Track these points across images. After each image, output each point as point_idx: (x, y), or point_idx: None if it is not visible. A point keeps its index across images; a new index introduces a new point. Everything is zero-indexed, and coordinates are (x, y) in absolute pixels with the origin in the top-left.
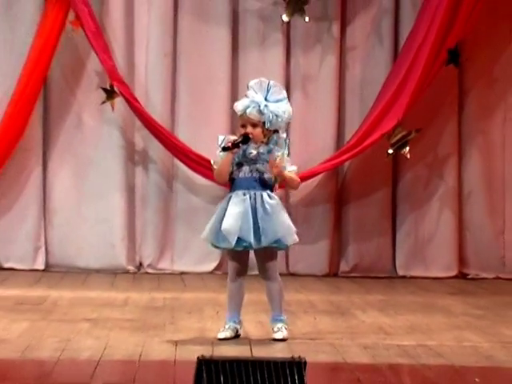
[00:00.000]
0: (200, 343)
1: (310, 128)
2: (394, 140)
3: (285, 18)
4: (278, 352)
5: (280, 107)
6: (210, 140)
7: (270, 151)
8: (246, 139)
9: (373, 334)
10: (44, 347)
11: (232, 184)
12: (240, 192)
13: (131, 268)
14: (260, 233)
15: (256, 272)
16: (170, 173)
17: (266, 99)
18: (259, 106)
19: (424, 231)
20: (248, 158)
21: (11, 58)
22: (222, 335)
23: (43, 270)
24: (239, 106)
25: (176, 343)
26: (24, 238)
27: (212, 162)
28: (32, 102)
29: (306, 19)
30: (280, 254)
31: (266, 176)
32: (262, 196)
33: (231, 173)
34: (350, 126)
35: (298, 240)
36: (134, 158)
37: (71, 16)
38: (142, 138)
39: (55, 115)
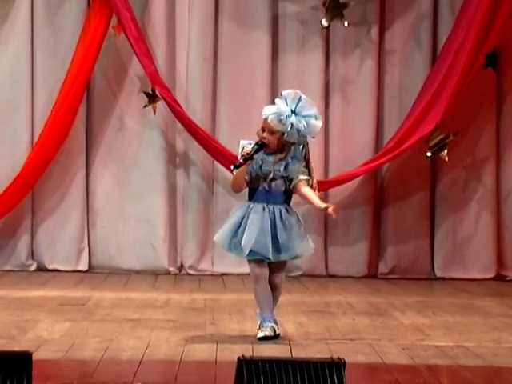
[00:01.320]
0: (240, 343)
1: (349, 131)
2: (432, 143)
3: (324, 22)
4: (318, 353)
5: (302, 122)
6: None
7: (286, 166)
8: (260, 146)
9: (411, 335)
10: (87, 347)
11: (250, 193)
12: (259, 206)
13: (172, 269)
14: (280, 248)
15: (295, 273)
16: (211, 175)
17: (293, 111)
18: (281, 116)
19: (462, 233)
20: (264, 174)
21: (55, 64)
22: (261, 335)
23: (86, 271)
24: (265, 110)
25: (217, 343)
26: (67, 240)
27: (232, 167)
28: (75, 106)
29: (345, 24)
30: (319, 256)
31: (282, 190)
32: (280, 211)
33: (249, 182)
34: (389, 129)
35: (313, 249)
36: (175, 160)
37: (113, 21)
38: (183, 141)
39: (98, 119)
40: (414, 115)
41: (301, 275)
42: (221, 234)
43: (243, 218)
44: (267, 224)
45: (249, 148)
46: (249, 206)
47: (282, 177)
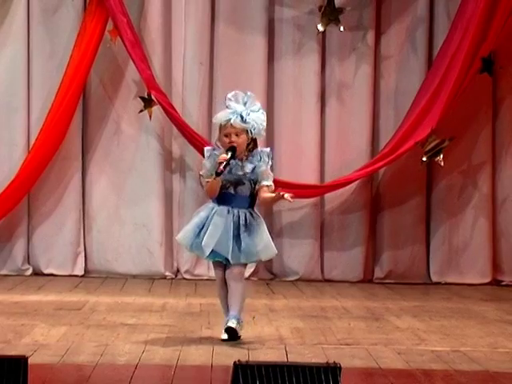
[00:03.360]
0: (236, 348)
1: (345, 136)
2: (427, 148)
3: (320, 27)
4: (314, 357)
5: (259, 116)
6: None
7: (254, 169)
8: (234, 152)
9: (407, 340)
10: (83, 352)
11: (217, 197)
12: (224, 209)
13: (169, 274)
14: (241, 251)
15: (291, 278)
16: None
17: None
18: (241, 115)
19: (458, 238)
20: (234, 179)
21: (51, 67)
22: (225, 337)
23: (82, 276)
24: (221, 117)
25: (213, 348)
26: (63, 244)
27: (200, 173)
28: (71, 110)
29: (341, 28)
30: (315, 260)
31: (248, 194)
32: (245, 215)
33: None
34: (385, 134)
35: (276, 252)
36: (171, 165)
37: (110, 25)
38: (179, 146)
39: (94, 123)
40: (410, 120)
41: (297, 280)
42: (183, 234)
43: (207, 218)
44: (230, 227)
45: (223, 156)
46: (213, 208)
47: (250, 180)
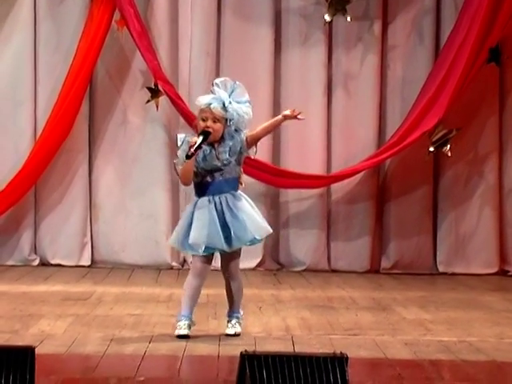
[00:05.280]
0: (243, 339)
1: (352, 126)
2: (435, 138)
3: (327, 17)
4: (320, 347)
5: (242, 108)
6: None
7: (230, 151)
8: (206, 135)
9: (414, 330)
10: (89, 342)
11: (196, 189)
12: (204, 199)
13: (175, 264)
14: (232, 237)
15: (298, 268)
16: None
17: (229, 98)
18: (223, 103)
19: (465, 228)
20: (210, 167)
21: (58, 58)
22: (181, 332)
23: (89, 266)
24: (203, 99)
25: (219, 338)
26: (70, 235)
27: (174, 162)
28: (78, 101)
29: (348, 19)
30: (321, 251)
31: (230, 176)
32: (226, 199)
33: (194, 176)
34: (391, 125)
35: (271, 230)
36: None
37: (116, 16)
38: None
39: (101, 114)
40: (417, 110)
41: (303, 270)
42: (174, 237)
43: (192, 214)
44: (214, 216)
45: (195, 139)
46: (196, 202)
47: (230, 162)
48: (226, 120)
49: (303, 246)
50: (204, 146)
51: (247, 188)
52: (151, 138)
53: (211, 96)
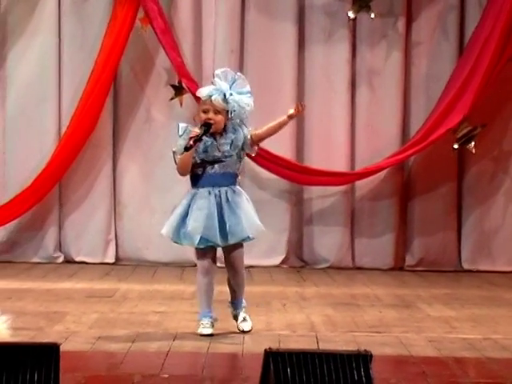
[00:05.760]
0: (267, 336)
1: (376, 123)
2: (459, 135)
3: (351, 14)
4: (344, 345)
5: (243, 99)
6: (277, 135)
7: (231, 144)
8: (207, 128)
9: (438, 328)
10: (114, 339)
11: (194, 180)
12: (204, 190)
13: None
14: (227, 231)
15: (322, 265)
16: None
17: (230, 89)
18: (224, 95)
19: (490, 225)
20: (211, 158)
21: (82, 56)
22: (207, 331)
23: (113, 264)
24: (204, 91)
25: (243, 336)
26: (94, 232)
27: (173, 150)
28: (102, 98)
29: (372, 15)
30: (345, 248)
31: (230, 171)
32: (226, 193)
33: (193, 167)
34: (416, 121)
35: (263, 228)
36: None
37: (140, 13)
38: None
39: (125, 111)
40: (441, 107)
41: (328, 267)
42: (168, 227)
43: (189, 206)
44: (214, 208)
45: (196, 130)
46: (194, 193)
47: (231, 155)
48: (228, 112)
49: (327, 243)
50: (205, 138)
51: (269, 185)
52: (175, 135)
53: (212, 87)
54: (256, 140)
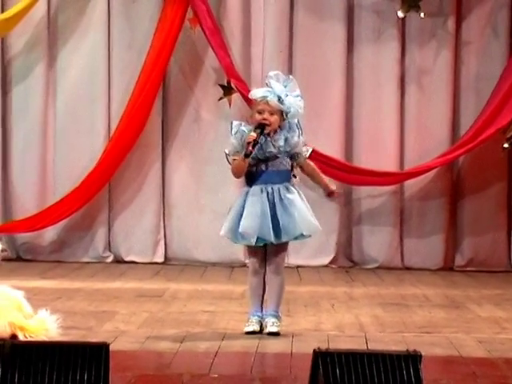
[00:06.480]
0: (316, 336)
1: (425, 122)
2: (509, 134)
3: (400, 14)
4: (394, 345)
5: (297, 102)
6: (326, 135)
7: (286, 140)
8: (262, 129)
9: (488, 328)
10: (163, 339)
11: (248, 178)
12: (257, 188)
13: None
14: (280, 229)
15: (371, 265)
16: None
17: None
18: (279, 96)
19: None
20: (265, 156)
21: (131, 56)
22: (249, 329)
23: (162, 263)
24: (258, 92)
25: (292, 336)
26: (144, 232)
27: (226, 151)
28: (151, 98)
29: (422, 15)
30: (394, 248)
31: (284, 168)
32: (279, 190)
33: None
34: (465, 121)
35: (320, 228)
36: None
37: (189, 14)
38: None
39: (174, 111)
40: (491, 106)
41: (377, 267)
42: (226, 228)
43: (244, 205)
44: (266, 206)
45: (252, 134)
46: (247, 191)
47: (284, 152)
48: (282, 113)
49: (376, 243)
50: (261, 137)
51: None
52: (224, 135)
53: (266, 89)
54: (302, 165)
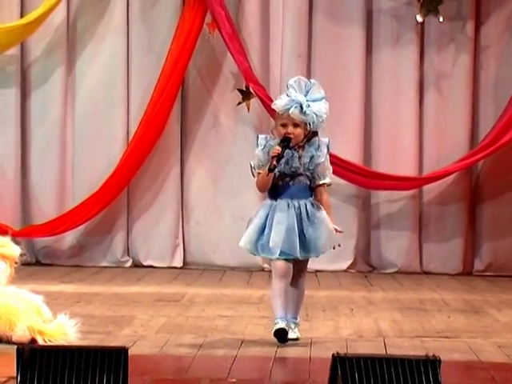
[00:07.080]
0: (334, 340)
1: (444, 127)
2: None
3: (419, 18)
4: (412, 350)
5: (320, 108)
6: (344, 140)
7: (312, 158)
8: (287, 143)
9: (508, 333)
10: (182, 343)
11: (273, 191)
12: (283, 202)
13: (266, 266)
14: (307, 245)
15: (390, 270)
16: None
17: (305, 99)
18: (301, 107)
19: None
20: (291, 171)
21: (150, 61)
22: (280, 326)
23: (181, 268)
24: (280, 104)
25: (311, 340)
26: (162, 236)
27: (251, 164)
28: (170, 103)
29: (441, 19)
30: (413, 252)
31: (306, 183)
32: (306, 206)
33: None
34: (484, 125)
35: (339, 242)
36: None
37: (208, 19)
38: None
39: (192, 116)
40: (511, 111)
41: (395, 272)
42: (246, 238)
43: (267, 217)
44: (293, 221)
45: (277, 148)
46: (271, 204)
47: (308, 169)
48: (305, 123)
49: (395, 247)
50: (286, 151)
51: (337, 190)
52: (242, 139)
53: (287, 99)
54: (315, 190)
